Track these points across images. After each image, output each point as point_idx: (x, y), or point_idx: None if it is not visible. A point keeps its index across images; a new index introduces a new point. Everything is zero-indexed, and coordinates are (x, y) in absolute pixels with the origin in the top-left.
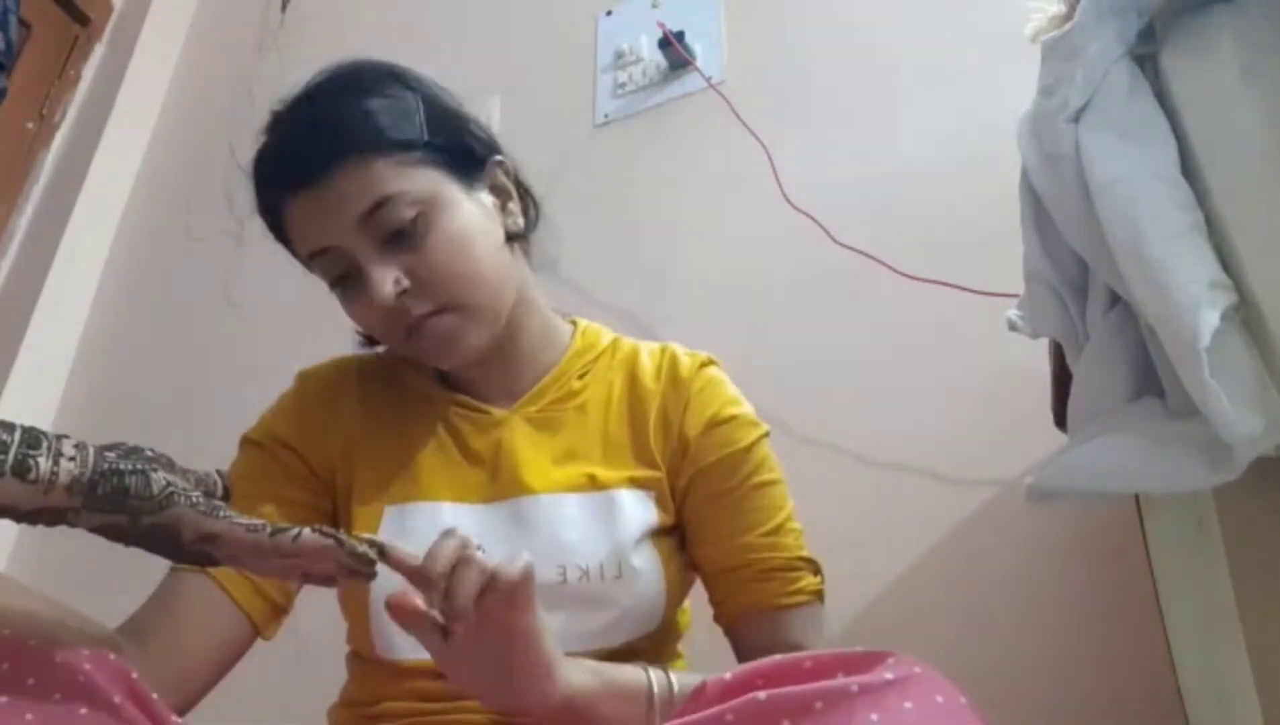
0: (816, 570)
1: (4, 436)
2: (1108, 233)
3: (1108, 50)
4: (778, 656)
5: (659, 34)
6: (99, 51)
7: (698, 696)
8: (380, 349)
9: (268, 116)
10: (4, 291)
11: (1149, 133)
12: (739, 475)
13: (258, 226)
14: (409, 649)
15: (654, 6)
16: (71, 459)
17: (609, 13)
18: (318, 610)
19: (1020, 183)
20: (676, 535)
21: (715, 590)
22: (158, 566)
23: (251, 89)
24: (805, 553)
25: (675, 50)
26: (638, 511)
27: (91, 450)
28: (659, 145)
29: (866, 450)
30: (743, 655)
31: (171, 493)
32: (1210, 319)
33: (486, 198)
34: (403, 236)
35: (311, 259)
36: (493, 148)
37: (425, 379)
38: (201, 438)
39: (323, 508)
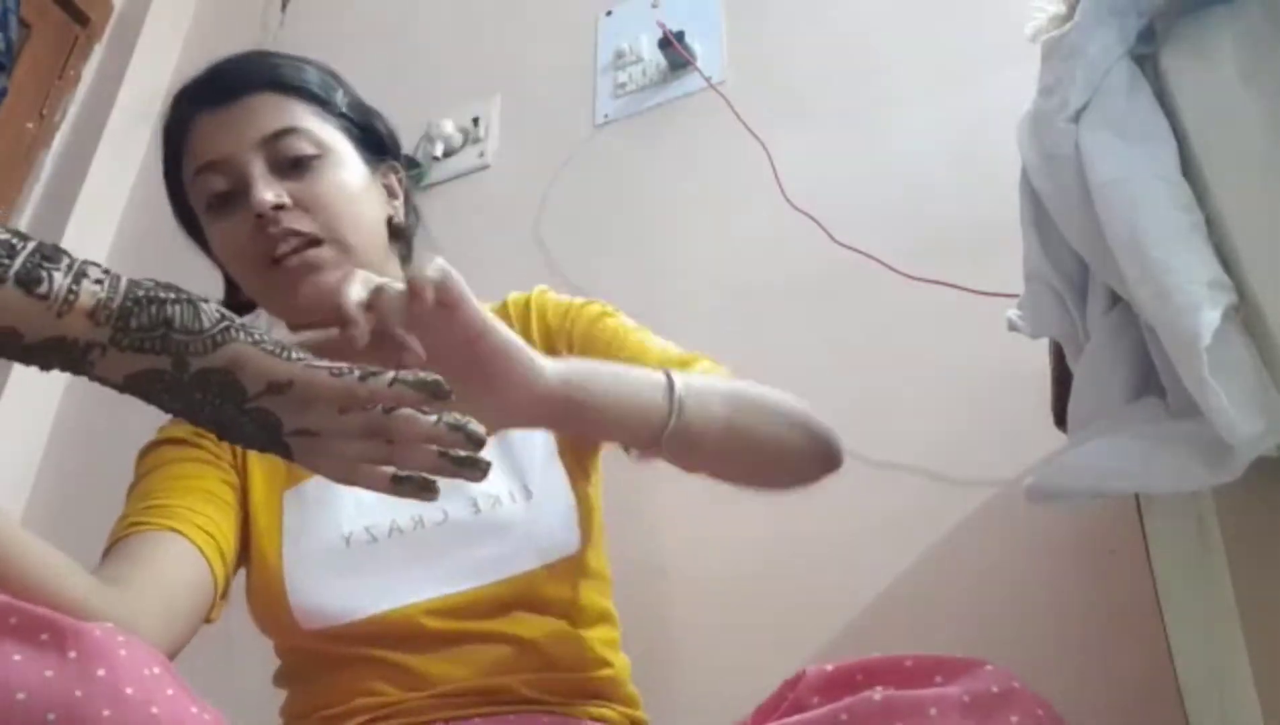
0: (700, 357)
1: (15, 241)
2: (1108, 233)
3: (1108, 50)
4: (877, 655)
5: (659, 34)
6: (99, 51)
7: (795, 684)
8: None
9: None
10: None
11: (1149, 133)
12: (592, 317)
13: None
14: (335, 610)
15: (654, 6)
16: (98, 282)
17: (609, 13)
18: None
19: (1020, 183)
20: (578, 452)
21: None
22: None
23: None
24: (682, 353)
25: (675, 50)
26: (527, 437)
27: (125, 278)
28: (659, 145)
29: (866, 450)
30: None
31: (228, 326)
32: (1210, 319)
33: (378, 182)
34: (298, 166)
35: (198, 174)
36: (396, 152)
37: None
38: None
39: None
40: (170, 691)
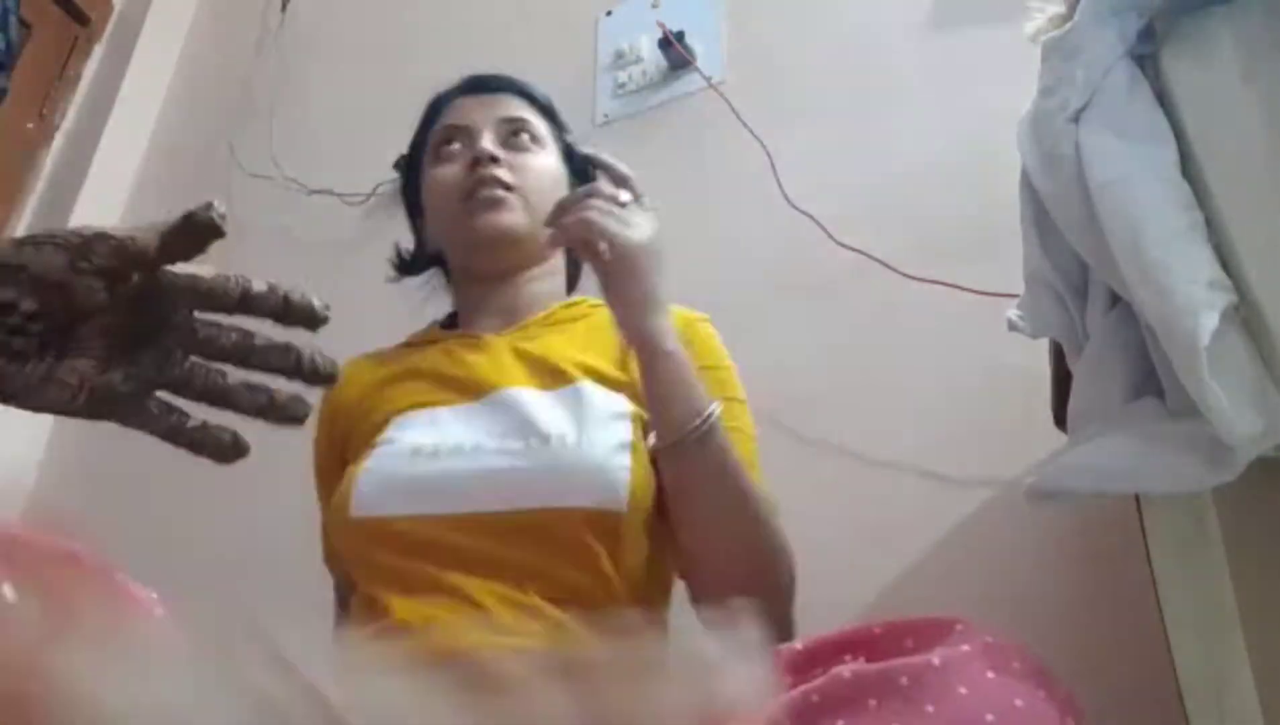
0: (774, 510)
1: None
2: (1108, 233)
3: (1108, 50)
4: (875, 626)
5: (659, 34)
6: (99, 51)
7: (776, 666)
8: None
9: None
10: None
11: (1149, 133)
12: (722, 383)
13: (258, 226)
14: (393, 504)
15: (654, 6)
16: None
17: (609, 13)
18: None
19: (1020, 183)
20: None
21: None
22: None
23: (251, 89)
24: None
25: (675, 50)
26: (604, 400)
27: None
28: (659, 145)
29: (866, 450)
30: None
31: None
32: (1210, 319)
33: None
34: (520, 145)
35: (440, 132)
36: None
37: (434, 332)
38: None
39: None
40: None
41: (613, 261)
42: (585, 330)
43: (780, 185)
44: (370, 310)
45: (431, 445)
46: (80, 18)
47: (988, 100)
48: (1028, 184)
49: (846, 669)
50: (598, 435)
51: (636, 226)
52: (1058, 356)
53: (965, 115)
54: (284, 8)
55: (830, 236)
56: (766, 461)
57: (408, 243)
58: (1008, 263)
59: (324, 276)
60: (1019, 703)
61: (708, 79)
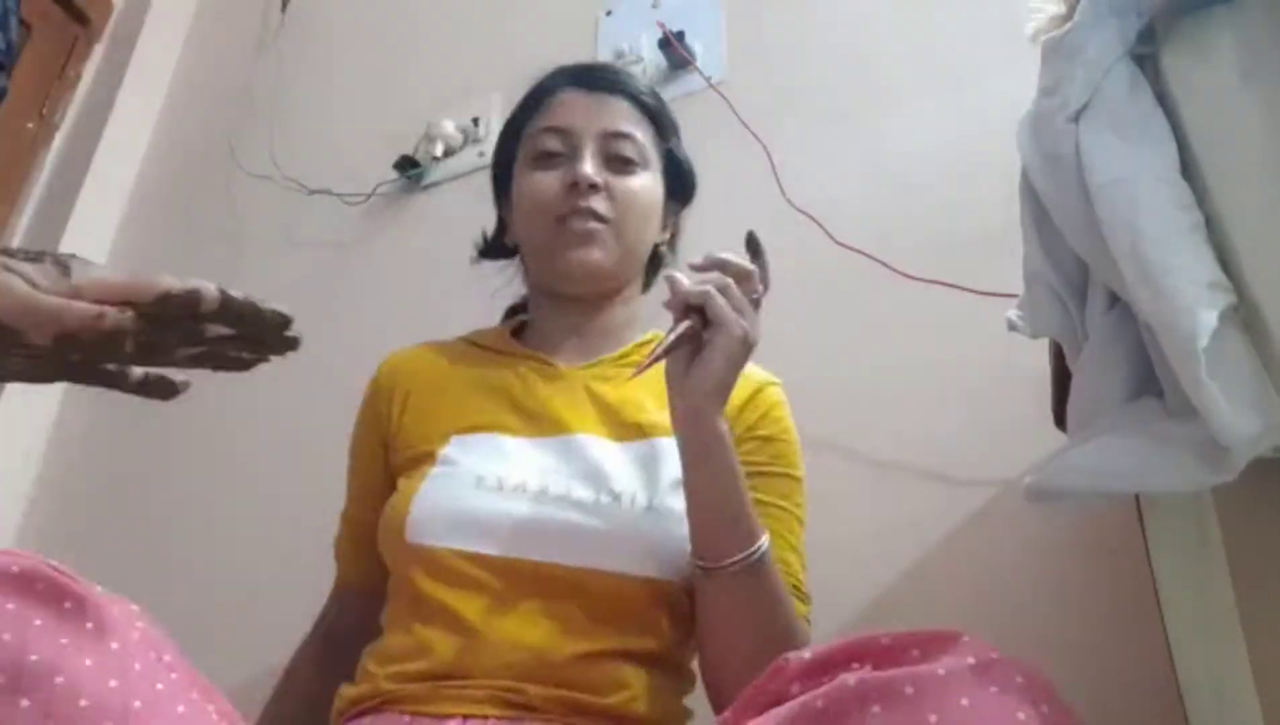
0: (806, 600)
1: None
2: (1107, 233)
3: (1108, 50)
4: (883, 636)
5: (659, 34)
6: (99, 51)
7: (778, 674)
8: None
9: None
10: None
11: (1149, 133)
12: (771, 457)
13: (258, 226)
14: (449, 536)
15: (654, 6)
16: None
17: (609, 13)
18: None
19: (1020, 183)
20: None
21: None
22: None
23: (251, 89)
24: (803, 582)
25: (675, 50)
26: (674, 461)
27: None
28: None
29: (867, 450)
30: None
31: None
32: (1209, 320)
33: (665, 213)
34: (622, 164)
35: (543, 131)
36: (688, 199)
37: (504, 341)
38: (203, 436)
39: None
40: (174, 676)
41: (720, 349)
42: (661, 379)
43: (780, 185)
44: (370, 310)
45: (496, 478)
46: (80, 18)
47: (987, 100)
48: (1028, 184)
49: (852, 676)
50: (668, 502)
51: (756, 328)
52: (1058, 356)
53: (965, 115)
54: (284, 8)
55: (830, 236)
56: None
57: (405, 242)
58: (1008, 263)
59: (324, 276)
60: (1021, 716)
61: (708, 79)
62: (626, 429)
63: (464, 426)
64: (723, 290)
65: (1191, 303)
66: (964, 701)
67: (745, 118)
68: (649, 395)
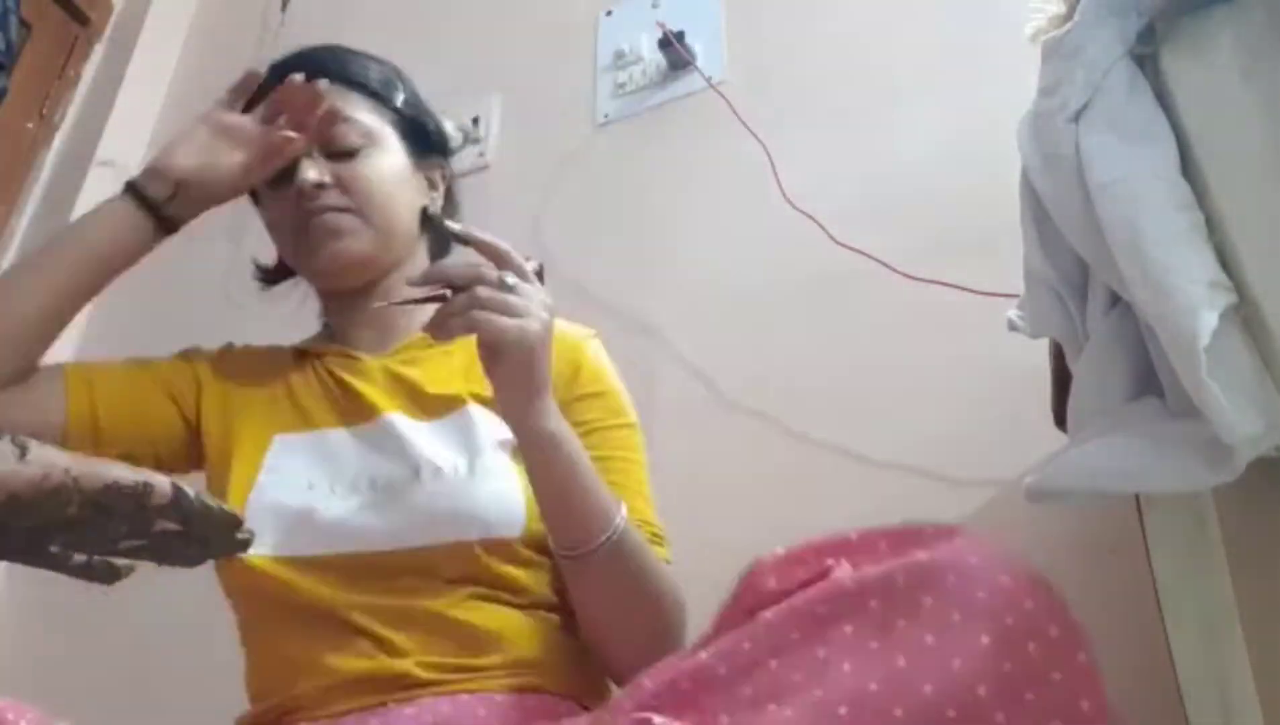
0: (664, 543)
1: None
2: (1108, 233)
3: (1108, 50)
4: (850, 533)
5: (659, 34)
6: (99, 51)
7: (760, 569)
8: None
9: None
10: None
11: (1149, 133)
12: (602, 412)
13: (258, 226)
14: (273, 538)
15: (654, 6)
16: None
17: (609, 13)
18: None
19: (1020, 183)
20: None
21: None
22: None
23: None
24: (658, 526)
25: (675, 50)
26: (489, 426)
27: None
28: (659, 145)
29: (866, 450)
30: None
31: None
32: (1209, 319)
33: (420, 175)
34: (343, 155)
35: None
36: (442, 149)
37: (317, 341)
38: None
39: (177, 431)
40: None
41: (505, 358)
42: (464, 351)
43: (780, 185)
44: None
45: (323, 478)
46: (80, 18)
47: (988, 100)
48: (1028, 184)
49: (850, 579)
50: (489, 463)
51: (530, 314)
52: (1058, 356)
53: (965, 115)
54: (284, 8)
55: (830, 236)
56: (766, 461)
57: None
58: (1008, 263)
59: None
60: (1029, 604)
61: (708, 79)
62: (436, 403)
63: (283, 427)
64: (472, 303)
65: (1192, 302)
66: (980, 594)
67: (745, 118)
68: (458, 372)
